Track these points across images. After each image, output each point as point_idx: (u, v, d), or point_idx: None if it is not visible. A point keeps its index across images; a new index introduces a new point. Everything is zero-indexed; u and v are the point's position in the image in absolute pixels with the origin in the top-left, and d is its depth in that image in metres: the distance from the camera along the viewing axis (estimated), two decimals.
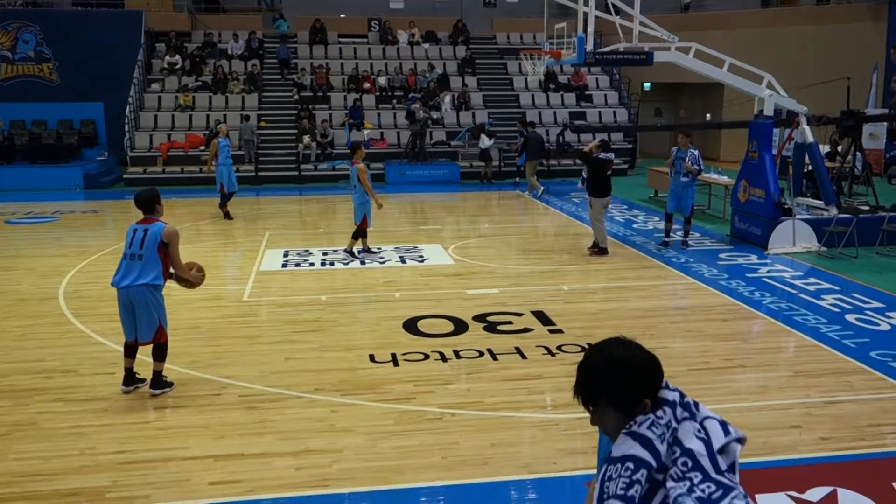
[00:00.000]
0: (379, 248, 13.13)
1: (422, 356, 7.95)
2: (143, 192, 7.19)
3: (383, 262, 12.40)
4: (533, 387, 7.13)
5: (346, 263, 12.25)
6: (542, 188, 19.79)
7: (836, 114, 15.02)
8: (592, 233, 12.97)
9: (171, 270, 7.04)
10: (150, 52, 26.35)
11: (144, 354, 7.22)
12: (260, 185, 22.03)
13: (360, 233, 12.52)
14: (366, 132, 24.19)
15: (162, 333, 7.03)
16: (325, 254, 12.80)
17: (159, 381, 7.10)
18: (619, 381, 2.26)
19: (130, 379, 7.13)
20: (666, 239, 13.33)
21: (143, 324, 6.92)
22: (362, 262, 12.28)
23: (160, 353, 7.06)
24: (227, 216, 16.54)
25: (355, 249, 12.66)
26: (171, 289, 10.62)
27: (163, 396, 6.97)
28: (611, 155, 12.89)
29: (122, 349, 7.22)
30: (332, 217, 17.39)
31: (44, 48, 25.35)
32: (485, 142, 22.80)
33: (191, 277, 7.19)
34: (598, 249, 12.72)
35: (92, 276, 11.50)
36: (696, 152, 12.81)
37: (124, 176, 22.35)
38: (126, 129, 23.27)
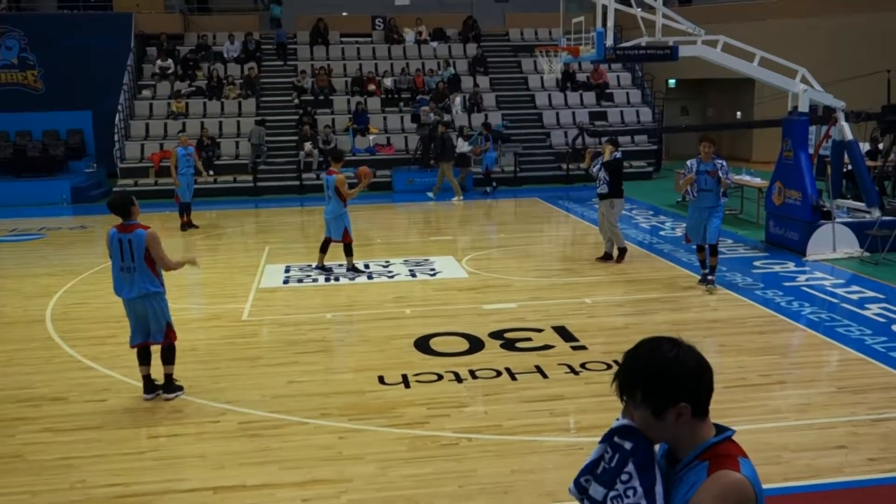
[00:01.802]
0: (367, 264, 13.01)
1: (435, 377, 7.92)
2: (115, 197, 7.57)
3: (392, 277, 12.40)
4: (555, 408, 7.09)
5: (352, 279, 12.27)
6: (458, 194, 20.51)
7: (876, 109, 14.96)
8: (604, 240, 13.13)
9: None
10: (140, 56, 26.57)
11: (116, 371, 7.24)
12: (259, 197, 22.12)
13: (349, 249, 12.49)
14: (371, 137, 24.26)
15: (172, 333, 7.50)
16: (329, 269, 12.79)
17: (171, 386, 7.53)
18: (658, 379, 2.35)
19: (151, 386, 7.52)
20: (705, 273, 11.19)
21: (157, 328, 7.42)
22: (351, 279, 12.25)
23: (170, 356, 7.50)
24: (189, 226, 16.91)
25: (355, 264, 12.60)
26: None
27: (157, 424, 6.98)
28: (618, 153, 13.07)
29: (111, 373, 7.26)
30: None
31: (28, 54, 25.62)
32: (461, 145, 22.16)
33: (183, 259, 7.82)
34: (620, 253, 12.91)
35: (81, 296, 11.55)
36: (725, 163, 10.93)
37: (114, 189, 22.40)
38: (115, 138, 23.42)
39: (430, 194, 21.22)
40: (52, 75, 25.40)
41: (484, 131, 22.70)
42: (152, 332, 7.43)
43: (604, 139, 14.11)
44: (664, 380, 2.35)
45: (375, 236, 16.74)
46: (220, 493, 5.73)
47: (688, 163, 10.95)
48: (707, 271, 11.08)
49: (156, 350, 7.54)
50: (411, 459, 6.17)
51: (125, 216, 7.31)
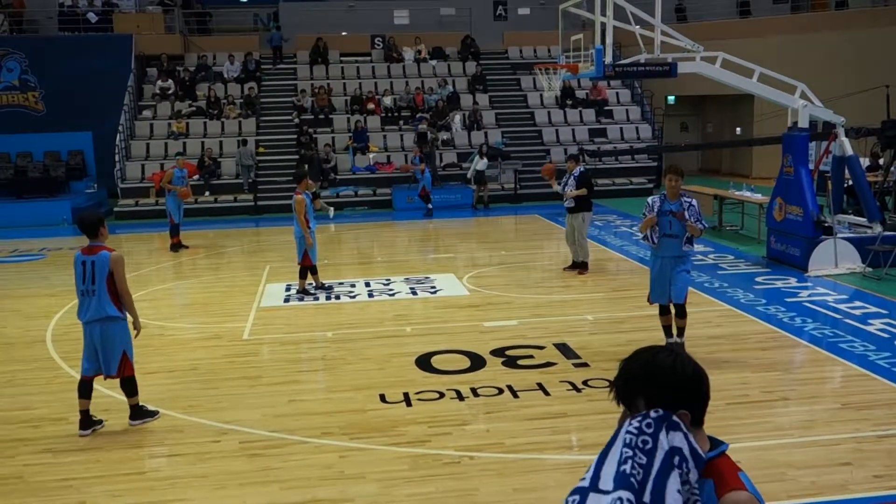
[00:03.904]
0: (330, 285, 12.89)
1: (436, 395, 7.91)
2: (86, 215, 7.39)
3: (393, 295, 12.39)
4: (558, 426, 7.07)
5: (301, 299, 12.20)
6: (326, 210, 20.48)
7: (876, 124, 14.99)
8: (571, 251, 13.72)
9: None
10: (140, 77, 26.72)
11: (115, 391, 7.22)
12: (259, 216, 22.15)
13: (305, 272, 12.41)
14: (371, 156, 24.34)
15: (127, 366, 7.22)
16: (329, 287, 12.79)
17: (140, 413, 7.34)
18: (659, 386, 2.39)
19: (87, 422, 7.23)
20: (672, 340, 8.88)
21: (109, 357, 7.13)
22: (315, 298, 12.20)
23: (130, 388, 7.29)
24: (179, 247, 16.78)
25: (308, 287, 12.54)
26: (167, 328, 10.72)
27: (158, 445, 6.96)
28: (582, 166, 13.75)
29: (112, 394, 7.24)
30: (336, 247, 17.44)
31: (29, 76, 25.75)
32: (480, 163, 22.49)
33: (132, 312, 7.27)
34: (581, 264, 13.49)
35: None
36: (696, 202, 8.65)
37: (115, 209, 22.53)
38: (116, 159, 23.52)
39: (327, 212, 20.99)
40: (53, 97, 25.52)
41: (417, 151, 22.57)
42: (103, 363, 7.13)
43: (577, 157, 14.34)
44: (665, 386, 2.39)
45: (376, 254, 16.76)
46: None
47: (649, 200, 8.75)
48: (673, 339, 8.83)
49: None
50: (413, 478, 6.14)
51: (92, 236, 7.13)
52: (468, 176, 23.03)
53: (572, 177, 13.34)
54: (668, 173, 8.62)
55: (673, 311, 8.84)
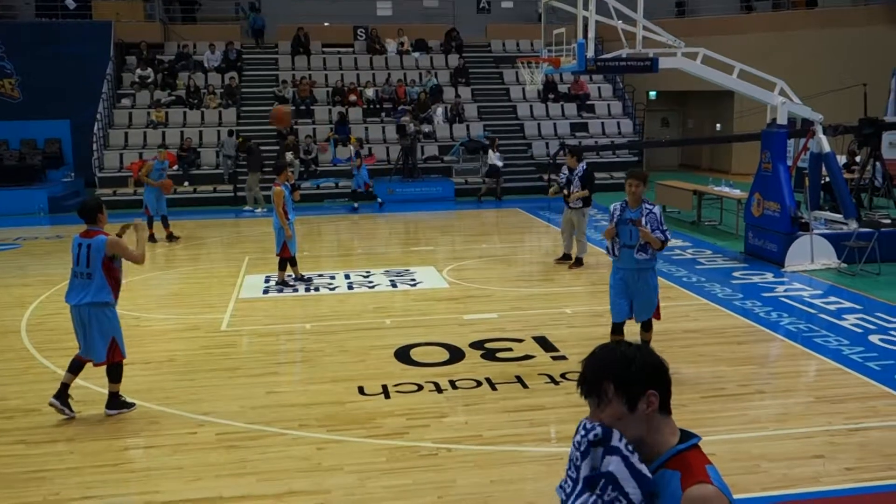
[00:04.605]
0: (310, 276, 12.84)
1: (415, 387, 7.91)
2: (86, 200, 7.48)
3: (373, 287, 12.38)
4: (535, 418, 7.10)
5: (280, 291, 12.17)
6: (260, 205, 20.52)
7: (853, 122, 15.12)
8: (567, 246, 13.69)
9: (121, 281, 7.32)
10: (119, 65, 26.45)
11: (91, 381, 7.17)
12: (238, 206, 22.02)
13: (284, 263, 12.39)
14: (352, 148, 24.24)
15: (117, 352, 7.23)
16: (308, 279, 12.76)
17: (116, 402, 7.30)
18: (627, 368, 2.43)
19: (63, 394, 7.21)
20: None
21: (97, 343, 7.12)
22: (294, 290, 12.18)
23: (115, 374, 7.28)
24: (171, 238, 16.70)
25: (287, 278, 12.52)
26: (143, 319, 10.65)
27: (133, 436, 6.92)
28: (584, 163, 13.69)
29: (88, 385, 7.19)
30: (316, 239, 17.39)
31: (5, 62, 25.40)
32: (493, 157, 22.88)
33: (138, 242, 7.47)
34: (577, 261, 13.49)
35: (57, 306, 11.40)
36: (658, 210, 7.91)
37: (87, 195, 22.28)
38: (94, 148, 23.28)
39: (252, 208, 20.87)
40: (30, 84, 25.20)
41: (356, 146, 22.20)
42: (93, 349, 7.14)
43: (565, 151, 14.34)
44: (634, 369, 2.42)
45: (357, 246, 16.73)
46: None
47: (611, 207, 8.08)
48: None
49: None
50: (390, 470, 6.15)
51: (91, 221, 7.22)
52: (484, 172, 23.15)
53: (576, 177, 13.26)
54: (629, 178, 7.88)
55: (641, 325, 8.16)
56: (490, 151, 22.95)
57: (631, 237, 7.78)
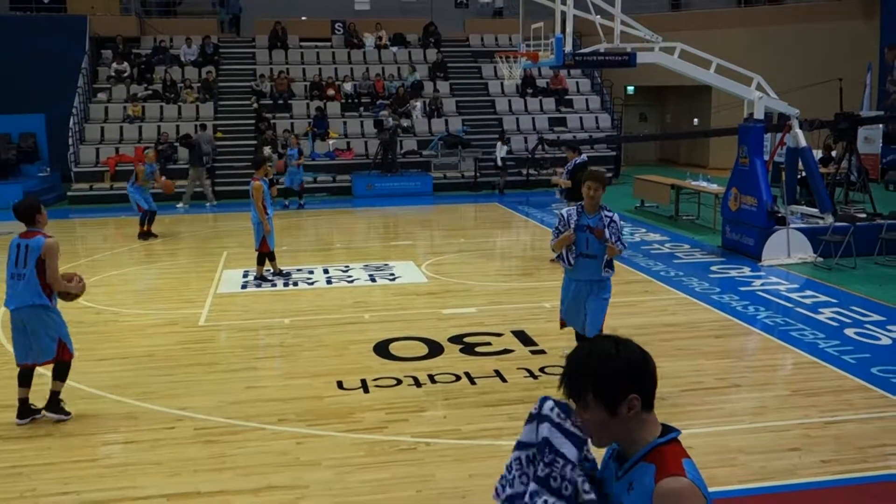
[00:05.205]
0: (288, 271, 12.83)
1: (394, 381, 7.91)
2: (21, 201, 7.28)
3: (352, 282, 12.35)
4: (514, 412, 7.10)
5: (258, 286, 12.13)
6: (187, 203, 20.50)
7: (829, 117, 15.25)
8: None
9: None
10: (95, 59, 26.16)
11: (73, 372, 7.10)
12: (216, 201, 21.87)
13: (262, 258, 12.31)
14: (331, 142, 24.19)
15: (65, 350, 7.08)
16: (287, 274, 12.71)
17: (56, 406, 7.09)
18: (605, 374, 2.40)
19: (26, 410, 7.06)
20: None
21: (42, 345, 6.97)
22: (273, 285, 12.16)
23: (61, 373, 7.10)
24: (149, 235, 16.45)
25: (265, 273, 12.48)
26: (122, 314, 10.57)
27: (111, 432, 6.86)
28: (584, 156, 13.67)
29: (67, 381, 7.10)
30: (294, 233, 17.31)
31: None
32: (502, 150, 23.05)
33: (70, 289, 7.16)
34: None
35: None
36: (618, 218, 7.35)
37: (68, 193, 22.09)
38: (70, 142, 23.01)
39: (180, 205, 20.67)
40: (4, 77, 24.77)
41: (293, 143, 20.97)
42: (34, 351, 6.95)
43: (562, 147, 14.38)
44: (612, 376, 2.39)
45: (335, 241, 16.68)
46: (174, 501, 5.65)
47: (563, 212, 7.36)
48: None
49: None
50: (369, 464, 6.14)
51: (29, 222, 7.00)
52: (497, 164, 23.14)
53: (566, 169, 13.52)
54: (589, 180, 7.24)
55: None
56: (499, 144, 23.17)
57: (588, 246, 7.17)
